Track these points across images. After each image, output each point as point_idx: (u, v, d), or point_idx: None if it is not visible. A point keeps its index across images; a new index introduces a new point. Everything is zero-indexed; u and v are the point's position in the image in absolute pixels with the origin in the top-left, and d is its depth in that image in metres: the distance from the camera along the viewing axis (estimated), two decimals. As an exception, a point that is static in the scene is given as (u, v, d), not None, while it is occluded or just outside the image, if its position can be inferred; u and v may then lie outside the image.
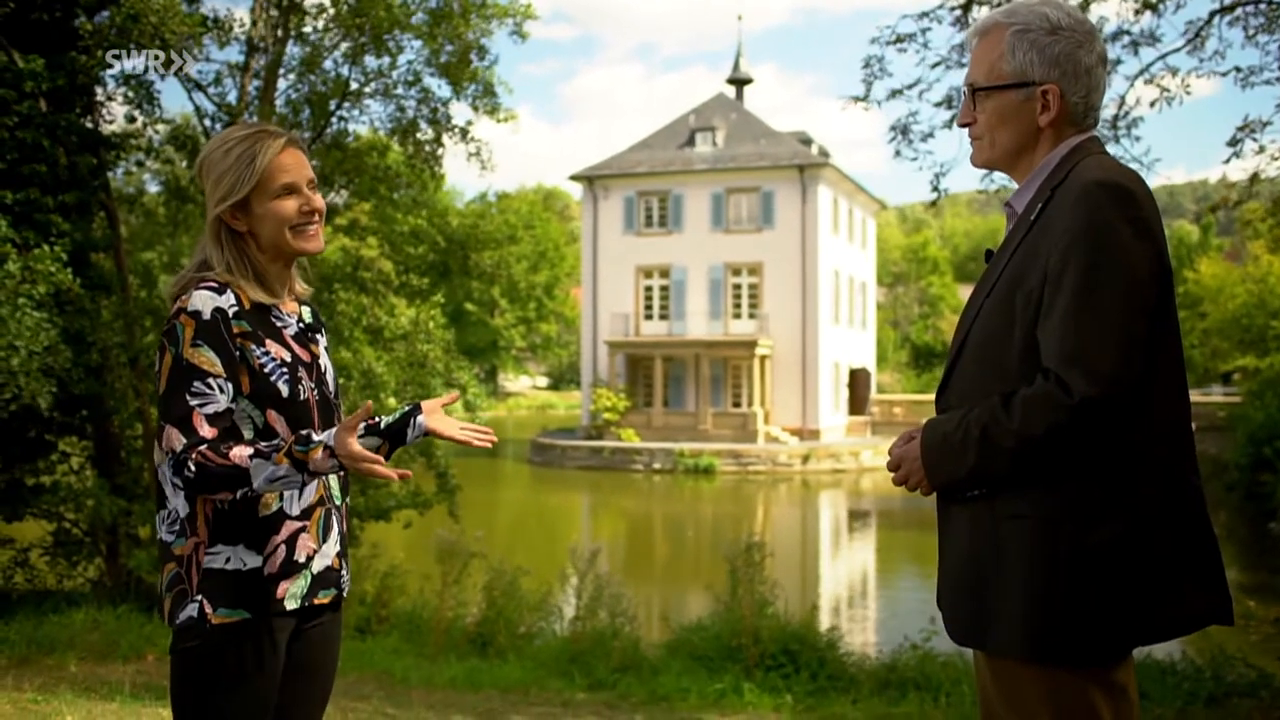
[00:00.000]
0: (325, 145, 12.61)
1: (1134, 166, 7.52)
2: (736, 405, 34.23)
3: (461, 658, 8.23)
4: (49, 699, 5.43)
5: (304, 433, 1.84)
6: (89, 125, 10.98)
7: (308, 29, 12.63)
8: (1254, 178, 8.24)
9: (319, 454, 1.78)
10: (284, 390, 1.90)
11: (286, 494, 1.91)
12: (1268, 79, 7.59)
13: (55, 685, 6.21)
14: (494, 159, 13.28)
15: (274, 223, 1.95)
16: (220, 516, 1.86)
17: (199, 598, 1.84)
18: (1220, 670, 6.85)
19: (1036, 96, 1.85)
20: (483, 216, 17.86)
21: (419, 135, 13.15)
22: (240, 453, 1.78)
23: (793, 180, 34.22)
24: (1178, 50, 7.78)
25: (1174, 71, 7.70)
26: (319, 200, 1.99)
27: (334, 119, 12.76)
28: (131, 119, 11.35)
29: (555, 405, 60.53)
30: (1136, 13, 7.84)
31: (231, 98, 12.13)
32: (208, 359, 1.83)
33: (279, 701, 1.94)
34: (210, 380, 1.83)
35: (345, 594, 2.06)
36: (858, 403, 38.20)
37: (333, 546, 1.99)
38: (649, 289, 35.88)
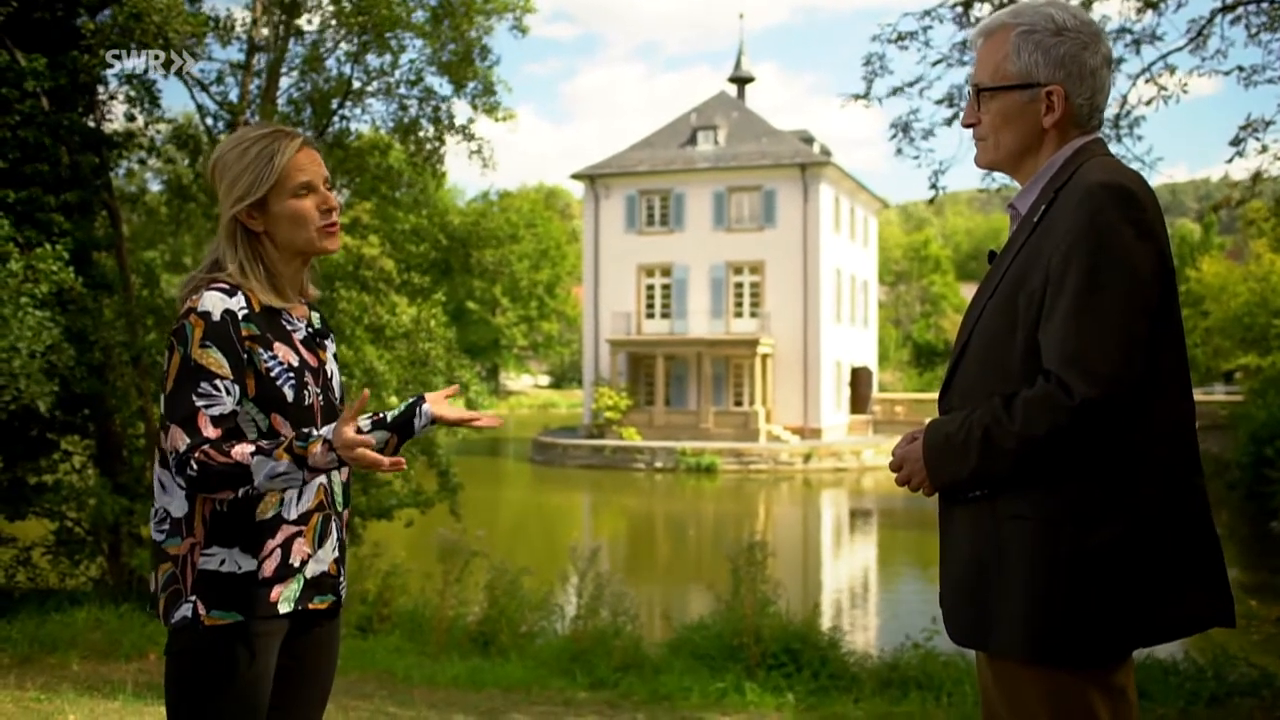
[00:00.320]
0: (327, 144, 12.61)
1: (1136, 166, 7.52)
2: (738, 404, 34.23)
3: (463, 657, 8.23)
4: (52, 697, 5.44)
5: (304, 429, 1.84)
6: (91, 124, 10.98)
7: (310, 27, 12.65)
8: (1256, 177, 8.23)
9: (318, 448, 1.77)
10: (289, 395, 1.91)
11: (285, 498, 1.90)
12: (1270, 78, 7.58)
13: (58, 684, 6.22)
14: (495, 158, 13.28)
15: (292, 221, 1.95)
16: (218, 518, 1.86)
17: (193, 598, 1.84)
18: (1222, 670, 6.84)
19: (1041, 98, 1.85)
20: (484, 215, 17.85)
21: (420, 134, 13.15)
22: (242, 450, 1.78)
23: (794, 179, 34.21)
24: (1179, 49, 7.78)
25: (1172, 70, 7.69)
26: (335, 199, 2.00)
27: (336, 118, 12.77)
28: (132, 118, 11.36)
29: (557, 404, 60.56)
30: (1138, 11, 7.84)
31: (233, 96, 12.12)
32: (215, 360, 1.83)
33: (275, 704, 1.94)
34: (217, 382, 1.83)
35: (343, 600, 2.06)
36: (859, 401, 38.20)
37: (329, 553, 1.98)
38: (650, 288, 35.88)
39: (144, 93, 11.05)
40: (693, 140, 36.52)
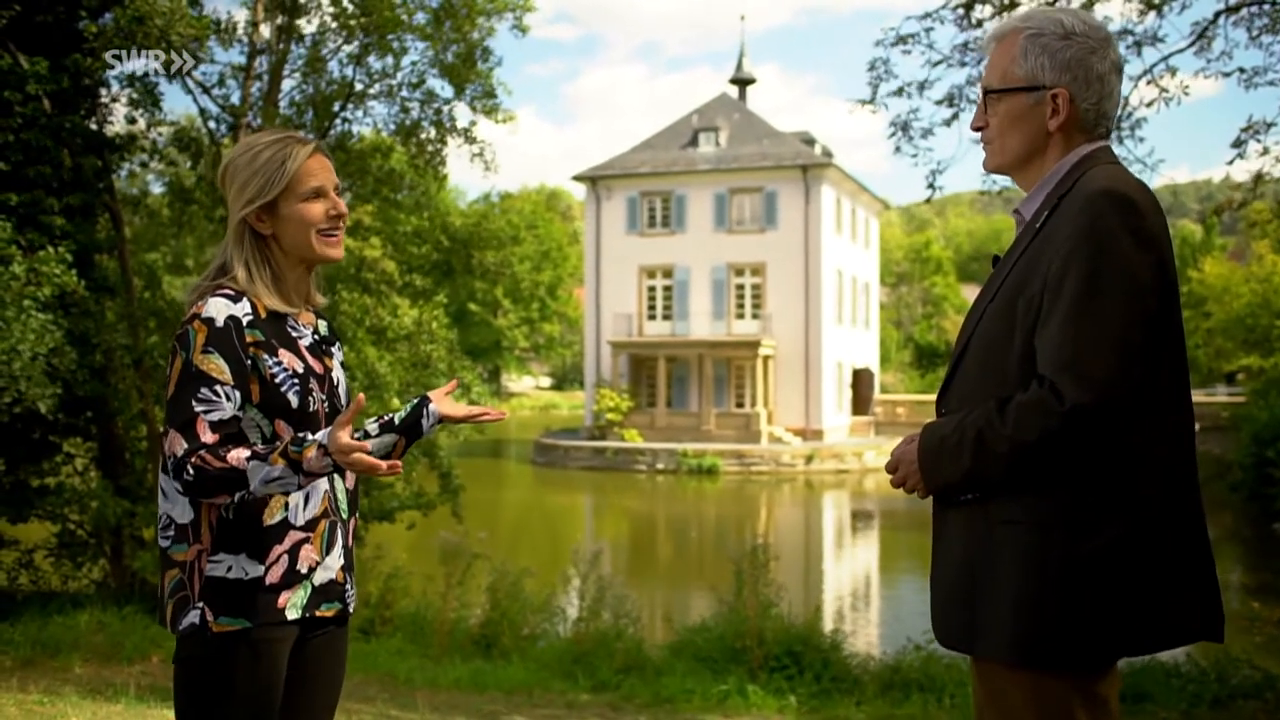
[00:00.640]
0: (329, 147, 12.62)
1: (1137, 168, 7.53)
2: (740, 405, 34.22)
3: (465, 659, 8.23)
4: (54, 701, 5.45)
5: (300, 434, 1.83)
6: (93, 127, 10.99)
7: (312, 29, 12.65)
8: (1258, 178, 8.23)
9: (313, 452, 1.76)
10: (294, 401, 1.91)
11: (291, 504, 1.90)
12: (1271, 80, 7.59)
13: (60, 687, 6.23)
14: (497, 161, 13.26)
15: (300, 225, 1.95)
16: (224, 525, 1.86)
17: (200, 605, 1.84)
18: (1225, 672, 6.84)
19: (1046, 100, 1.85)
20: (486, 216, 17.87)
21: (422, 136, 13.16)
22: (238, 455, 1.78)
23: (796, 180, 34.21)
24: (1181, 51, 7.79)
25: (1173, 72, 7.70)
26: (344, 205, 2.02)
27: (338, 120, 12.77)
28: (134, 120, 11.37)
29: (558, 405, 60.56)
30: (1140, 13, 7.85)
31: (235, 99, 12.13)
32: (217, 366, 1.84)
33: (284, 712, 1.94)
34: (217, 388, 1.83)
35: (351, 609, 2.05)
36: (861, 403, 38.19)
37: (336, 560, 1.98)
38: (652, 289, 35.89)
39: (146, 95, 11.06)
40: (694, 142, 36.53)
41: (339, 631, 2.04)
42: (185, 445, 1.79)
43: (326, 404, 1.98)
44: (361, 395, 1.80)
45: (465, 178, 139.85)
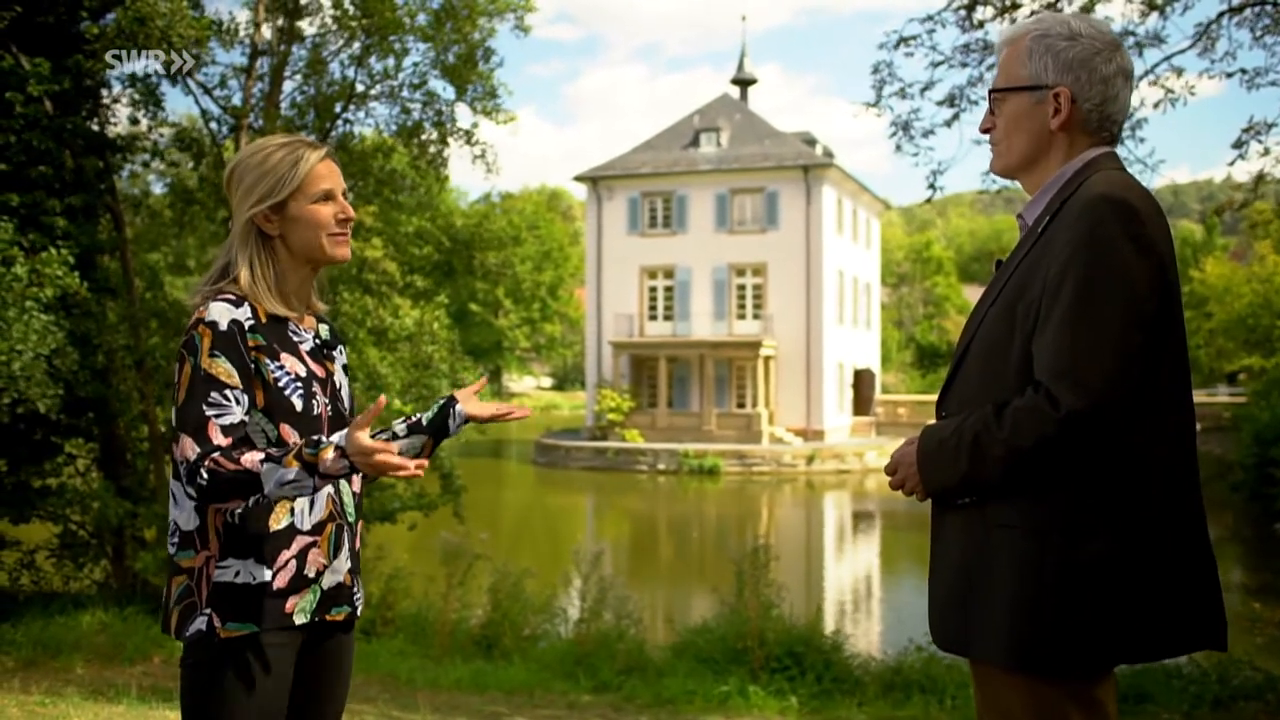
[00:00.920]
0: (330, 148, 12.61)
1: (1138, 168, 7.54)
2: (741, 406, 34.22)
3: (466, 660, 8.24)
4: (56, 702, 5.45)
5: (314, 437, 1.84)
6: (95, 128, 11.00)
7: (313, 31, 12.66)
8: (1259, 179, 8.23)
9: (329, 455, 1.75)
10: (298, 404, 1.90)
11: (297, 509, 1.90)
12: (1273, 80, 7.58)
13: (62, 688, 6.23)
14: (499, 162, 13.26)
15: (309, 226, 1.96)
16: (231, 530, 1.86)
17: (208, 611, 1.84)
18: (1226, 673, 6.82)
19: (1049, 100, 1.86)
20: (487, 217, 17.88)
21: (424, 137, 13.16)
22: (251, 458, 1.77)
23: (797, 181, 34.21)
24: (1183, 51, 7.79)
25: (1179, 72, 7.70)
26: (352, 210, 2.03)
27: (339, 121, 12.78)
28: (136, 121, 11.38)
29: (559, 406, 60.54)
30: (1142, 14, 7.85)
31: (236, 100, 12.14)
32: (225, 369, 1.84)
33: (290, 717, 1.94)
34: (227, 391, 1.83)
35: (359, 612, 2.05)
36: (862, 403, 38.18)
37: (344, 563, 1.98)
38: (653, 289, 35.89)
39: (147, 96, 11.08)
40: (695, 142, 36.53)
41: (346, 636, 2.05)
42: (198, 449, 1.79)
43: (330, 407, 1.98)
44: (383, 397, 1.80)
45: (466, 178, 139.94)
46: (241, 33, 12.05)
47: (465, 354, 14.81)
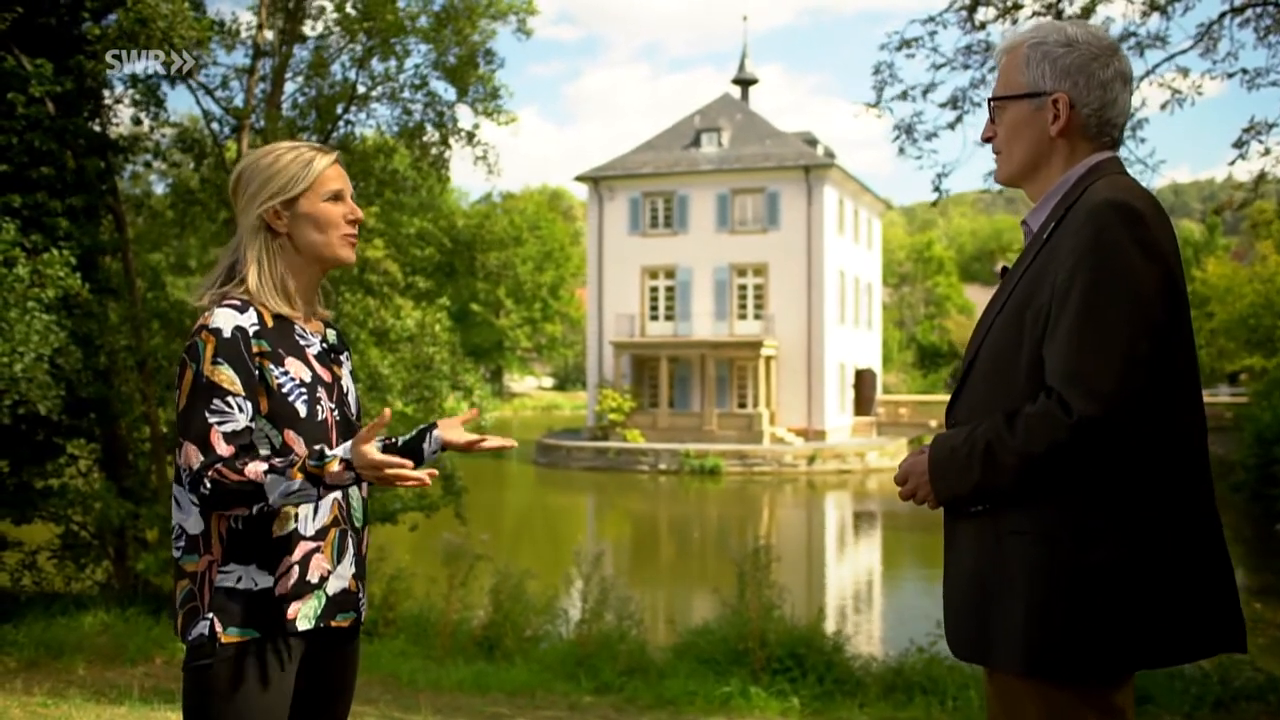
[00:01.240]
0: (332, 149, 12.62)
1: (1138, 168, 7.53)
2: (742, 406, 34.22)
3: (468, 660, 8.24)
4: (58, 703, 5.46)
5: (318, 448, 1.83)
6: (96, 129, 11.01)
7: (315, 32, 12.66)
8: (1260, 179, 8.23)
9: (335, 467, 1.76)
10: (302, 410, 1.90)
11: (301, 515, 1.89)
12: (1274, 80, 7.58)
13: (64, 689, 6.24)
14: (500, 163, 13.29)
15: (319, 224, 1.98)
16: (234, 535, 1.86)
17: (210, 615, 1.84)
18: (1228, 674, 6.82)
19: (1047, 106, 1.86)
20: (488, 217, 17.90)
21: (425, 138, 13.17)
22: (255, 468, 1.77)
23: (798, 181, 34.21)
24: (1185, 51, 7.79)
25: (1184, 73, 7.70)
26: (360, 211, 2.05)
27: (341, 122, 12.79)
28: (138, 121, 11.39)
29: (560, 406, 60.54)
30: (1144, 14, 7.85)
31: (238, 101, 12.15)
32: (227, 377, 1.84)
33: None
34: (229, 399, 1.83)
35: (363, 618, 2.05)
36: (863, 403, 38.15)
37: (348, 568, 1.97)
38: (654, 290, 35.88)
39: (149, 96, 11.09)
40: (696, 142, 36.53)
41: (351, 644, 2.04)
42: (201, 458, 1.79)
43: (336, 413, 1.98)
44: (387, 410, 1.80)
45: (468, 179, 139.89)
46: (243, 34, 12.07)
47: (466, 354, 14.84)
